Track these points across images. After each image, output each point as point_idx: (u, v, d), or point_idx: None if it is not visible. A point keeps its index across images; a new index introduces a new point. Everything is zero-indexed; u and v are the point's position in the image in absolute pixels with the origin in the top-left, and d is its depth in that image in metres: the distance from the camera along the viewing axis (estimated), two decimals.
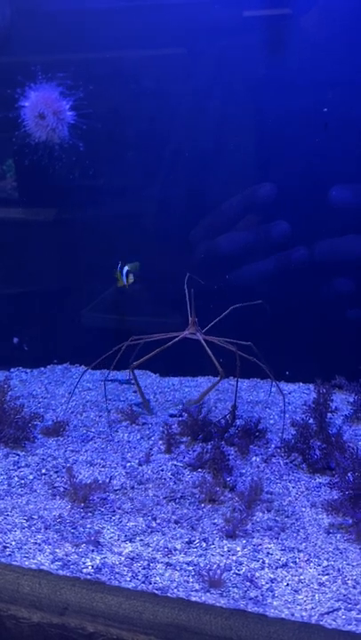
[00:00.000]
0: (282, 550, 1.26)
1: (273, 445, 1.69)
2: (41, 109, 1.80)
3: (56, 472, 1.58)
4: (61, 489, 1.49)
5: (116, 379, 2.16)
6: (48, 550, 1.26)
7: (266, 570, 1.20)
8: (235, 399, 1.79)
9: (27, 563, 1.22)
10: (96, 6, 2.08)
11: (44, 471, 1.58)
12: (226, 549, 1.26)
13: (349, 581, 1.16)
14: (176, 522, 1.36)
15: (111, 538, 1.30)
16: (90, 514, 1.39)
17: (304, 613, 1.08)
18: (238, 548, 1.27)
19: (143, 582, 1.16)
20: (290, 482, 1.52)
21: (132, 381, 2.13)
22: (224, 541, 1.29)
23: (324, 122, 1.96)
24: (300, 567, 1.21)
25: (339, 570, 1.20)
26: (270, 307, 1.92)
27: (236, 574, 1.19)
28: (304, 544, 1.28)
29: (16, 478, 1.55)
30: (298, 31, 1.95)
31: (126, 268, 2.01)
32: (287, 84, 1.99)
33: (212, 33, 2.02)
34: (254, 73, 2.01)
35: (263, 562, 1.22)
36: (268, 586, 1.16)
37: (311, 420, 1.64)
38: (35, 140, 1.89)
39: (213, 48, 2.03)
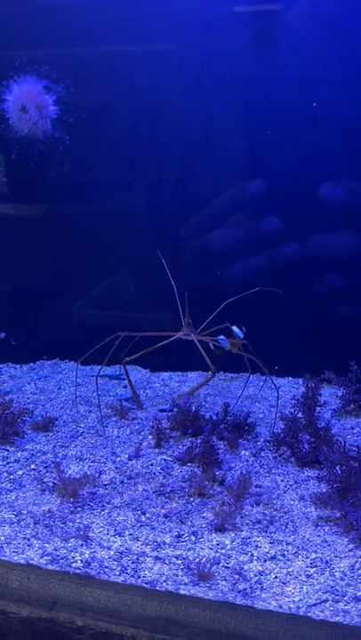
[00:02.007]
0: (270, 543, 1.27)
1: (262, 439, 1.69)
2: (23, 102, 1.79)
3: (45, 467, 1.57)
4: (51, 484, 1.49)
5: (106, 374, 2.15)
6: (37, 545, 1.26)
7: (255, 562, 1.21)
8: (240, 396, 1.80)
9: (16, 557, 1.21)
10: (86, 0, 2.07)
11: (33, 466, 1.58)
12: (215, 543, 1.27)
13: (337, 573, 1.17)
14: (165, 516, 1.36)
15: (100, 532, 1.31)
16: (79, 508, 1.39)
17: (292, 605, 1.09)
18: (227, 542, 1.27)
19: (132, 576, 1.17)
20: (279, 475, 1.53)
21: (122, 377, 2.13)
22: (213, 535, 1.29)
23: (314, 116, 1.96)
24: (288, 559, 1.22)
25: (327, 562, 1.21)
26: (262, 302, 1.93)
27: (225, 567, 1.19)
28: (293, 537, 1.29)
29: (5, 474, 1.55)
30: (286, 27, 1.95)
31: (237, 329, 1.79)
32: (277, 81, 1.99)
33: (202, 28, 2.01)
34: (244, 69, 2.01)
35: (252, 555, 1.23)
36: (256, 578, 1.16)
37: (300, 414, 1.65)
38: (18, 134, 1.88)
39: (203, 44, 2.02)
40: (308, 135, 1.99)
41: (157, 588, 1.13)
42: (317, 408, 1.67)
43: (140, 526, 1.33)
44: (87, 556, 1.22)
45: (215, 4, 1.99)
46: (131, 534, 1.30)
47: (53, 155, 2.03)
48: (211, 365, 1.74)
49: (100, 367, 2.16)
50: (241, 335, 1.81)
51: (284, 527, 1.32)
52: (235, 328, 1.80)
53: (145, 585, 1.13)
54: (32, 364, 2.32)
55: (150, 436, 1.71)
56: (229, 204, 2.08)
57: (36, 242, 2.30)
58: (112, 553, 1.24)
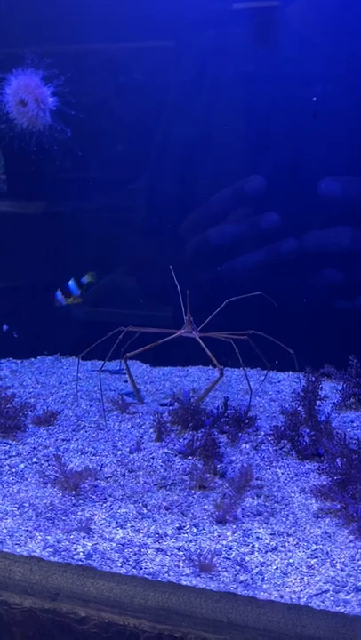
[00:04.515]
0: (271, 535, 1.27)
1: (262, 433, 1.70)
2: (22, 96, 1.79)
3: (47, 460, 1.58)
4: (52, 477, 1.50)
5: (107, 369, 2.16)
6: (39, 537, 1.27)
7: (256, 554, 1.22)
8: (250, 393, 1.80)
9: (18, 550, 1.22)
10: None
11: (35, 460, 1.59)
12: (216, 534, 1.28)
13: (338, 564, 1.18)
14: (167, 508, 1.37)
15: (102, 524, 1.31)
16: (81, 501, 1.40)
17: (293, 596, 1.09)
18: (228, 533, 1.28)
19: (134, 568, 1.17)
20: (279, 468, 1.54)
21: (123, 371, 2.14)
22: (214, 527, 1.30)
23: (314, 111, 1.97)
24: (289, 551, 1.22)
25: (327, 553, 1.21)
26: (262, 297, 1.93)
27: (227, 558, 1.20)
28: (293, 528, 1.30)
29: (7, 467, 1.56)
30: (284, 22, 1.95)
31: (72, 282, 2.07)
32: (275, 77, 1.99)
33: (201, 25, 2.01)
34: (243, 65, 2.01)
35: (253, 546, 1.24)
36: (257, 569, 1.17)
37: (300, 408, 1.66)
38: (18, 128, 1.88)
39: (202, 40, 2.03)
40: (306, 131, 1.99)
41: (159, 579, 1.13)
42: (318, 402, 1.67)
43: (142, 518, 1.33)
44: (89, 547, 1.23)
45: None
46: (132, 526, 1.31)
47: (53, 149, 2.03)
48: (218, 365, 1.74)
49: (101, 362, 2.18)
50: (77, 292, 2.06)
51: (284, 519, 1.33)
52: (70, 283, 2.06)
53: (147, 576, 1.14)
54: (33, 359, 2.33)
55: (151, 430, 1.72)
56: (229, 199, 2.09)
57: (37, 238, 2.30)
58: (114, 545, 1.24)
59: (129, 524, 1.31)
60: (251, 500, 1.39)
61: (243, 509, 1.35)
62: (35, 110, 1.81)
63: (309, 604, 1.06)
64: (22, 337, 2.36)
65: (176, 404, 1.76)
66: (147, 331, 1.86)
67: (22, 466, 1.56)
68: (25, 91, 1.80)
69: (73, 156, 2.15)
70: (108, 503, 1.39)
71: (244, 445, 1.64)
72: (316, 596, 1.09)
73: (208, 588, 1.10)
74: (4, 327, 2.28)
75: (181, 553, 1.22)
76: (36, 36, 2.05)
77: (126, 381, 2.09)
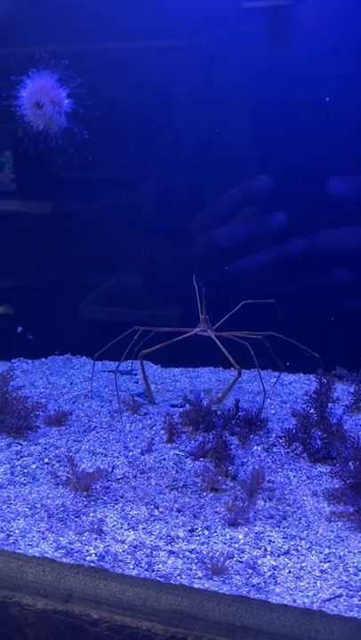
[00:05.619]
0: (284, 538, 1.27)
1: (274, 435, 1.69)
2: (37, 98, 1.79)
3: (59, 461, 1.58)
4: (64, 478, 1.50)
5: (118, 369, 2.16)
6: (52, 538, 1.27)
7: (268, 557, 1.21)
8: (263, 395, 1.79)
9: (30, 551, 1.22)
10: None
11: (46, 460, 1.59)
12: (228, 537, 1.27)
13: (351, 568, 1.17)
14: (178, 510, 1.37)
15: (114, 526, 1.31)
16: (92, 502, 1.40)
17: (306, 600, 1.09)
18: (240, 536, 1.27)
19: (146, 570, 1.17)
20: (291, 471, 1.53)
21: (134, 372, 2.14)
22: (226, 529, 1.30)
23: (326, 112, 1.96)
24: (302, 555, 1.22)
25: (340, 557, 1.21)
26: (273, 299, 1.93)
27: (239, 562, 1.20)
28: (306, 532, 1.29)
29: (19, 467, 1.56)
30: (295, 22, 1.95)
31: None
32: (284, 76, 1.99)
33: (211, 24, 2.01)
34: (253, 65, 2.01)
35: (265, 549, 1.23)
36: (270, 573, 1.17)
37: (312, 410, 1.65)
38: (34, 130, 1.88)
39: (212, 39, 2.02)
40: (315, 131, 1.98)
41: (172, 581, 1.13)
42: (329, 404, 1.66)
43: (154, 520, 1.33)
44: (101, 549, 1.23)
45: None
46: (144, 528, 1.31)
47: (63, 149, 2.03)
48: (235, 365, 1.72)
49: (111, 362, 2.18)
50: None
51: (297, 522, 1.32)
52: None
53: (159, 579, 1.14)
54: (44, 360, 2.33)
55: (162, 431, 1.72)
56: (237, 199, 2.08)
57: (48, 238, 2.30)
58: (126, 547, 1.24)
59: (141, 526, 1.31)
60: (262, 502, 1.39)
61: (255, 512, 1.35)
62: (50, 112, 1.81)
63: (323, 609, 1.06)
64: (33, 337, 2.36)
65: (187, 405, 1.76)
66: (161, 330, 1.85)
67: (34, 466, 1.57)
68: (40, 93, 1.79)
69: (81, 156, 2.15)
70: (120, 504, 1.39)
71: (255, 448, 1.64)
72: (329, 600, 1.09)
73: (220, 591, 1.10)
74: (19, 329, 2.28)
75: (193, 556, 1.21)
76: (51, 37, 2.05)
77: (137, 382, 2.09)
